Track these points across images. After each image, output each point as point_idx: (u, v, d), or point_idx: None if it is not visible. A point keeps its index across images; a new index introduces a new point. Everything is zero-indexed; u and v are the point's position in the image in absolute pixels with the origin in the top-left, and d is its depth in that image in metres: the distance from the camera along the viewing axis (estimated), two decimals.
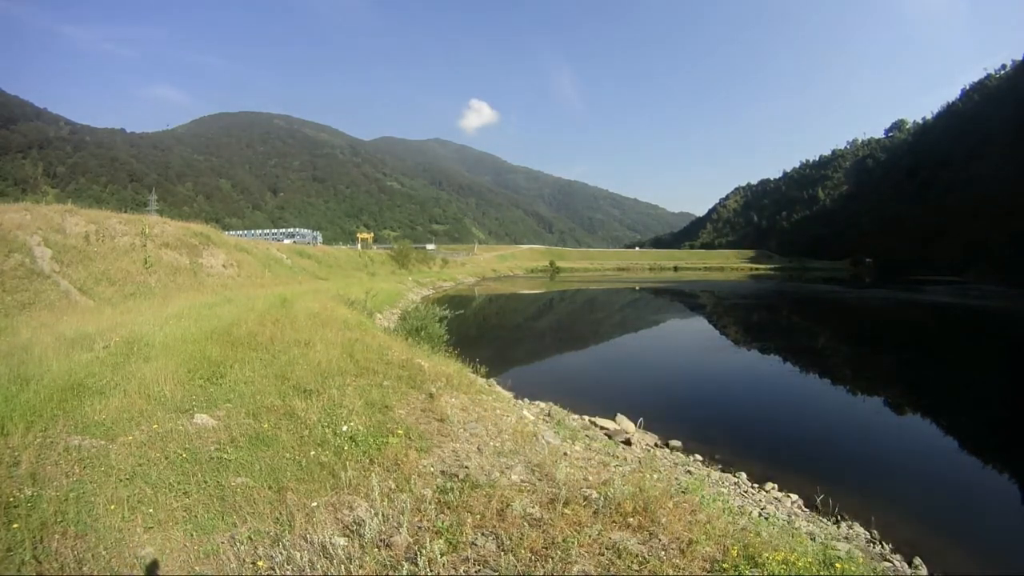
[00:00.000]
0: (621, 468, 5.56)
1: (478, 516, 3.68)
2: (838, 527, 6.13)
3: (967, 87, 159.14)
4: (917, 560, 5.58)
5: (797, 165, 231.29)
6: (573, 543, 3.35)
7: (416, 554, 3.13)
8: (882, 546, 5.84)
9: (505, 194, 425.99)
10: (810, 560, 3.47)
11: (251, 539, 3.28)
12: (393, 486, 4.11)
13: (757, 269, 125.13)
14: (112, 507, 3.36)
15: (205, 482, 3.87)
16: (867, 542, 5.90)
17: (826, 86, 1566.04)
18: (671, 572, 3.20)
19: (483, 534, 3.47)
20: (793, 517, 6.28)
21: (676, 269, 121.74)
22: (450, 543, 3.32)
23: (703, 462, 8.30)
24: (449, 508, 3.81)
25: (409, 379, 7.44)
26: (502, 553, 3.24)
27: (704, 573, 3.24)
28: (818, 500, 6.50)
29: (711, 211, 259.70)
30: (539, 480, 4.52)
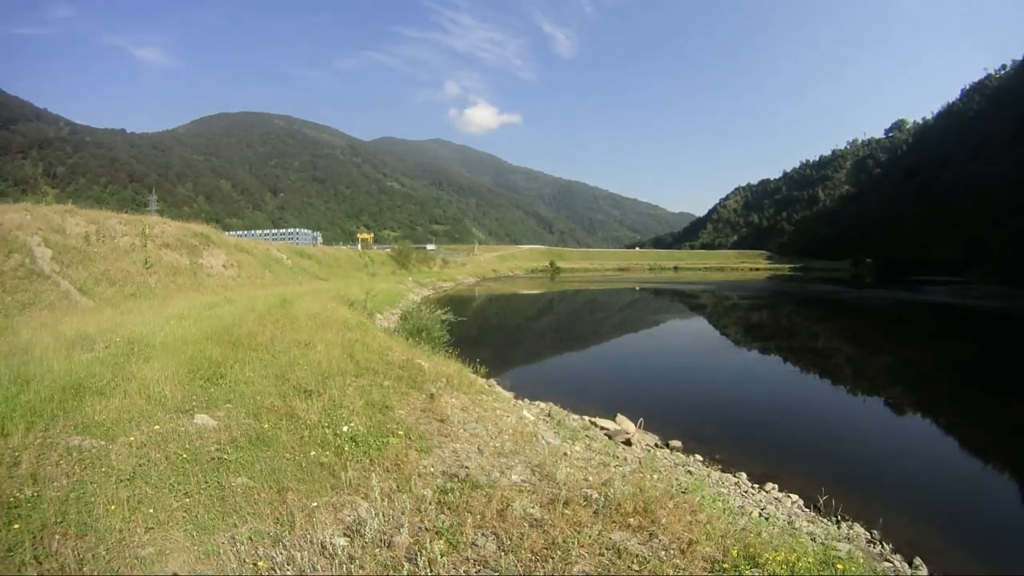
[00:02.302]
0: (621, 468, 5.56)
1: (478, 516, 3.68)
2: (839, 527, 6.12)
3: (967, 87, 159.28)
4: (917, 560, 5.58)
5: (797, 165, 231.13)
6: (573, 543, 3.35)
7: (416, 554, 3.13)
8: (883, 546, 5.84)
9: (505, 194, 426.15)
10: (810, 560, 3.46)
11: (251, 539, 3.28)
12: (393, 486, 4.11)
13: (757, 269, 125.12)
14: (112, 507, 3.36)
15: (205, 482, 3.87)
16: (868, 542, 5.90)
17: (828, 87, 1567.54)
18: (671, 572, 3.20)
19: (483, 534, 3.47)
20: (793, 517, 6.28)
21: (676, 269, 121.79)
22: (450, 543, 3.32)
23: (703, 462, 8.29)
24: (449, 508, 3.81)
25: (409, 379, 7.45)
26: (502, 553, 3.24)
27: (704, 573, 3.24)
28: (819, 500, 6.50)
29: (711, 211, 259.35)
30: (539, 480, 4.52)
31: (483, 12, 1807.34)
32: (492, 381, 11.30)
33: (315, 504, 3.71)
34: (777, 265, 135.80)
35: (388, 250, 70.26)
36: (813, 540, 5.08)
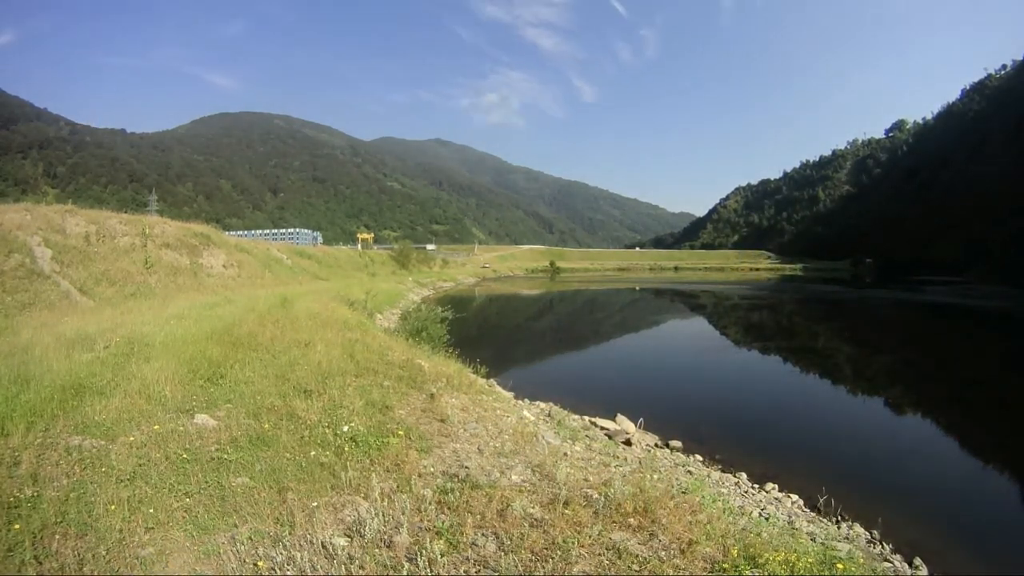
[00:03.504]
0: (621, 468, 5.56)
1: (478, 516, 3.68)
2: (839, 527, 6.12)
3: (967, 87, 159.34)
4: (917, 560, 5.58)
5: (797, 165, 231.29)
6: (573, 543, 3.35)
7: (416, 554, 3.13)
8: (883, 546, 5.83)
9: (505, 194, 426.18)
10: (811, 560, 3.46)
11: (251, 539, 3.28)
12: (394, 486, 4.11)
13: (758, 269, 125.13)
14: (112, 507, 3.36)
15: (206, 482, 3.86)
16: (868, 542, 5.89)
17: (828, 86, 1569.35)
18: (671, 572, 3.20)
19: (483, 534, 3.47)
20: (794, 517, 6.28)
21: (676, 269, 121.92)
22: (450, 543, 3.32)
23: (703, 462, 8.29)
24: (449, 508, 3.81)
25: (409, 379, 7.44)
26: (502, 553, 3.24)
27: (704, 574, 3.24)
28: (819, 501, 6.49)
29: (711, 211, 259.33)
30: (539, 480, 4.52)
31: (525, 65, 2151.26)
32: (492, 381, 11.29)
33: (315, 504, 3.70)
34: (777, 265, 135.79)
35: (388, 250, 70.29)
36: (813, 540, 5.07)
